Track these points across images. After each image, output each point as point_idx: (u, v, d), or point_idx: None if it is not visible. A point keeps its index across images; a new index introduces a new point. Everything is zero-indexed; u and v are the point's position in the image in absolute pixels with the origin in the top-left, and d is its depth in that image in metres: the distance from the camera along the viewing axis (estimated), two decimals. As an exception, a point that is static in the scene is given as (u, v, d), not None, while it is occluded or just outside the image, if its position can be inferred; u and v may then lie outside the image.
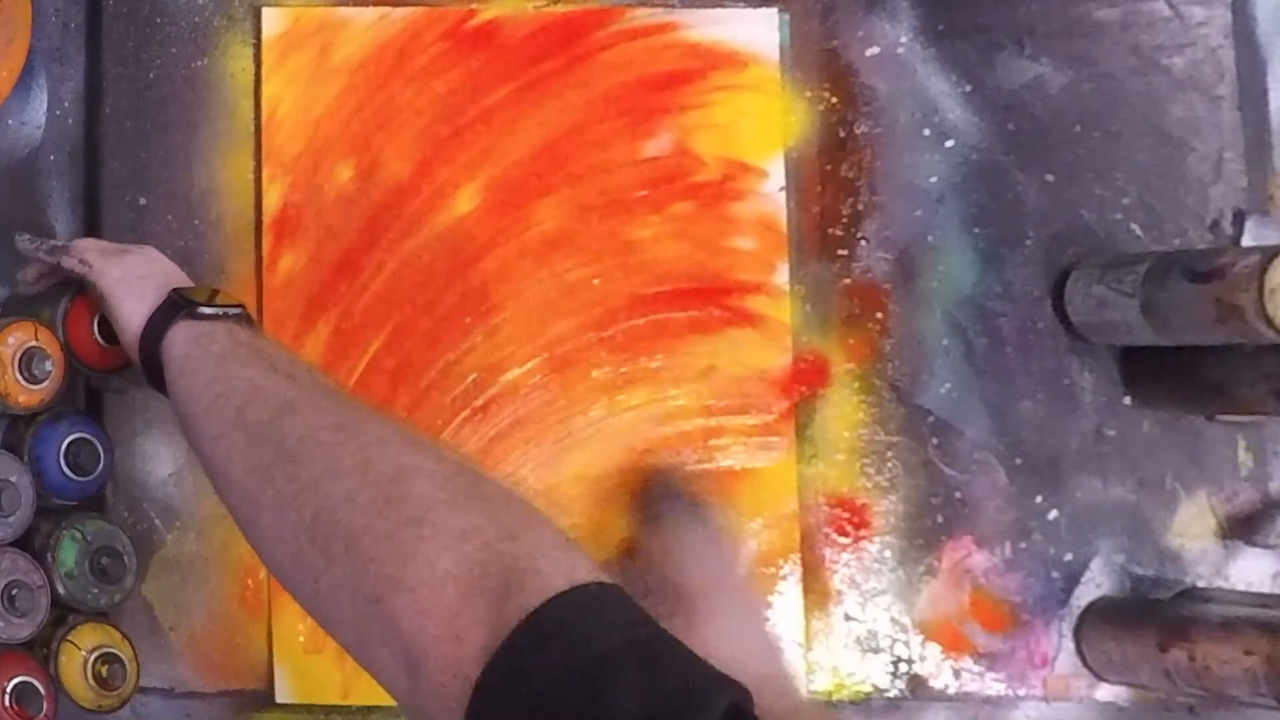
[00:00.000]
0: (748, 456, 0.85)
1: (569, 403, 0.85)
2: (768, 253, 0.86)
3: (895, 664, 0.85)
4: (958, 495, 0.86)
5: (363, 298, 0.86)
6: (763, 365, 0.85)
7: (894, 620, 0.85)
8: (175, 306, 0.69)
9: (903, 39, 0.88)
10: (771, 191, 0.86)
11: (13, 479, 0.76)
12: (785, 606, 0.84)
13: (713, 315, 0.85)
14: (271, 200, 0.86)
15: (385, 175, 0.86)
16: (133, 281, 0.72)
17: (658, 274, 0.86)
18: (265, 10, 0.87)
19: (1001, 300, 0.87)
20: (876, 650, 0.85)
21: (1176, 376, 0.84)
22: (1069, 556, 0.85)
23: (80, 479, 0.78)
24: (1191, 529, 0.86)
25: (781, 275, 0.86)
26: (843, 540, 0.85)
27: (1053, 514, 0.86)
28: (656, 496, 0.79)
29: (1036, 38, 0.88)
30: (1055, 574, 0.85)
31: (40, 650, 0.77)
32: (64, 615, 0.78)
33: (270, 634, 0.84)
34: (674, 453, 0.85)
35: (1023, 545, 0.86)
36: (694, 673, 0.46)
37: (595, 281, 0.86)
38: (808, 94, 0.88)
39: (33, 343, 0.76)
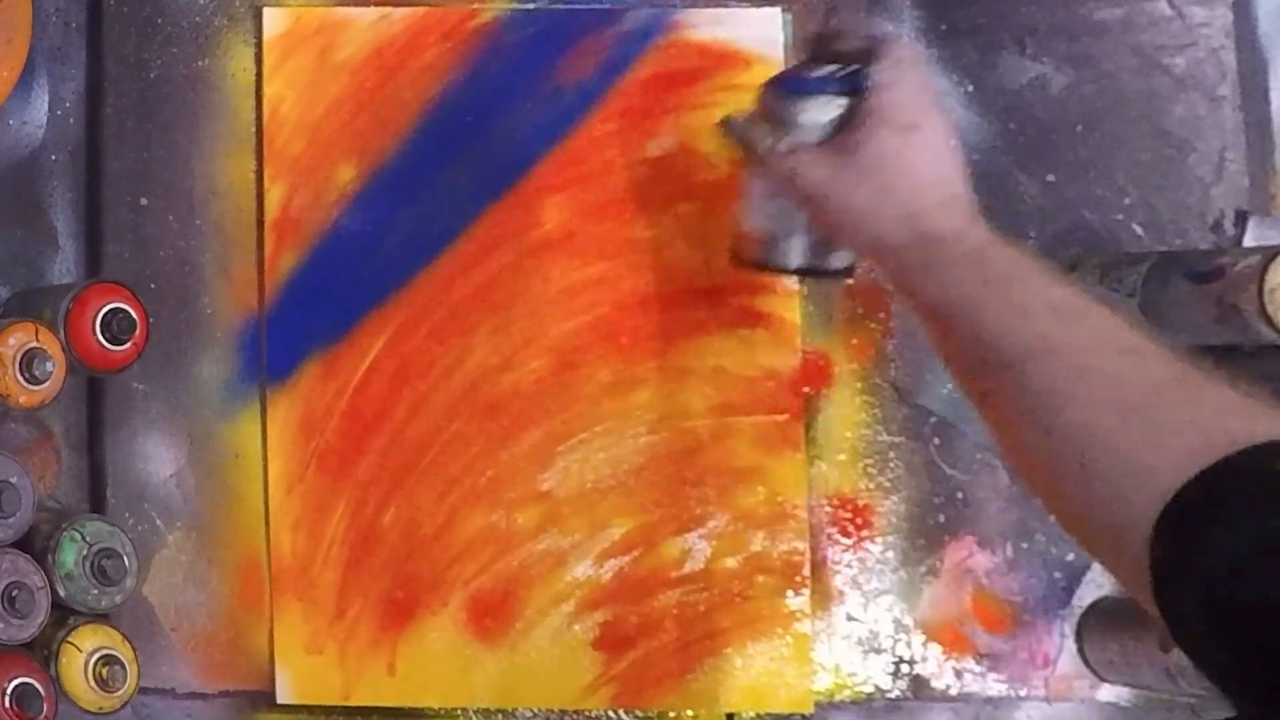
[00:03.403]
0: (757, 456, 0.85)
1: (575, 403, 0.85)
2: (775, 252, 0.86)
3: (897, 664, 0.85)
4: (960, 495, 0.86)
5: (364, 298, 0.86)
6: (772, 365, 0.85)
7: (896, 620, 0.85)
8: None
9: (904, 39, 0.88)
10: (777, 191, 0.86)
11: (13, 479, 0.76)
12: (796, 606, 0.84)
13: (720, 315, 0.85)
14: (273, 200, 0.86)
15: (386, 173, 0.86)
16: None
17: (663, 274, 0.86)
18: (266, 10, 0.87)
19: (1003, 300, 0.87)
20: (878, 650, 0.85)
21: (1177, 377, 0.84)
22: (1071, 556, 0.85)
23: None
24: (1193, 529, 0.86)
25: (790, 274, 0.86)
26: (845, 540, 0.85)
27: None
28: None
29: (1038, 38, 0.88)
30: (1057, 574, 0.85)
31: (41, 651, 0.77)
32: (64, 616, 0.78)
33: (271, 635, 0.84)
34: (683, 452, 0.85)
35: (1025, 545, 0.86)
36: None
37: (600, 282, 0.86)
38: (809, 94, 0.88)
39: (33, 343, 0.76)
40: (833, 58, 0.71)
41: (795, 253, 0.74)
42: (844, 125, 0.69)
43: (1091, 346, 0.59)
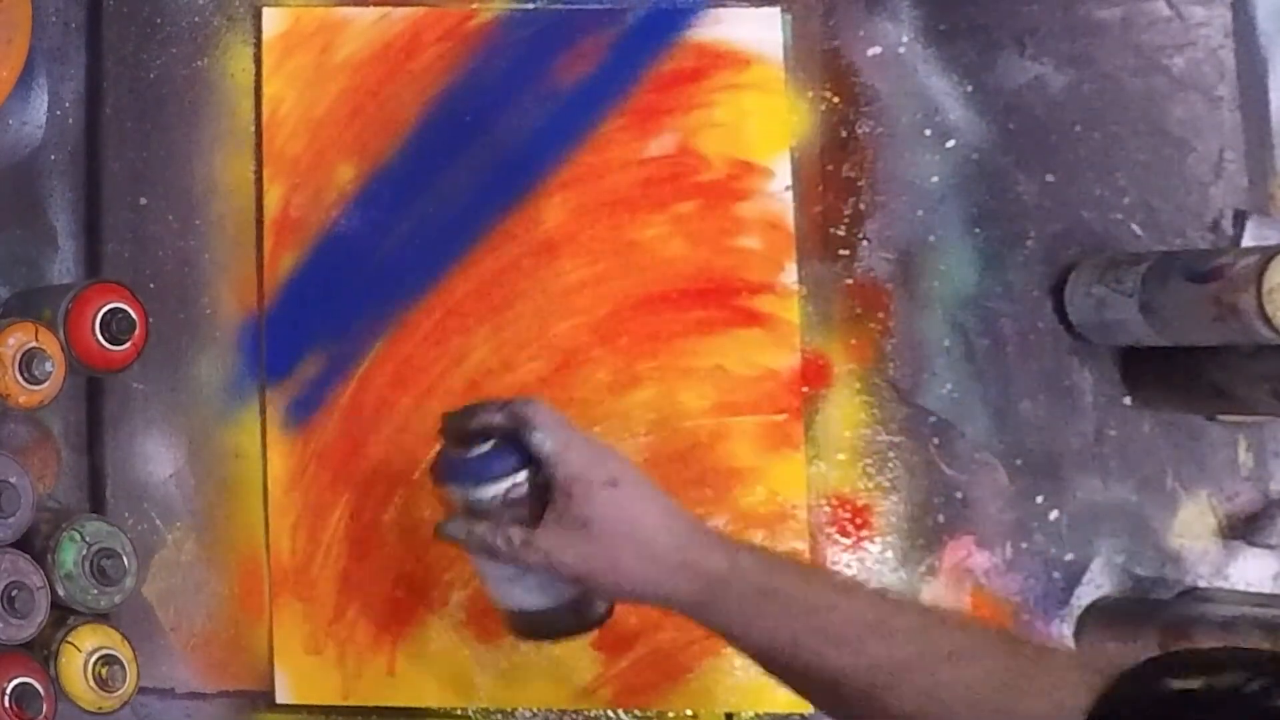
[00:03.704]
0: (757, 456, 0.85)
1: (574, 404, 0.85)
2: (774, 252, 0.86)
3: (896, 664, 0.85)
4: (959, 495, 0.86)
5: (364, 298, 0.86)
6: (771, 365, 0.85)
7: (895, 620, 0.85)
8: None
9: (904, 39, 0.88)
10: (778, 191, 0.86)
11: (12, 479, 0.76)
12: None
13: (719, 315, 0.85)
14: (272, 200, 0.86)
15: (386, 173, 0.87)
16: None
17: (663, 274, 0.86)
18: (266, 10, 0.87)
19: (1002, 300, 0.87)
20: (878, 650, 0.85)
21: (1177, 377, 0.85)
22: (1070, 556, 0.85)
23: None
24: (1192, 529, 0.86)
25: (789, 275, 0.86)
26: (844, 540, 0.86)
27: (1053, 514, 0.86)
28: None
29: (1037, 38, 0.88)
30: (1056, 574, 0.85)
31: (40, 651, 0.77)
32: (64, 616, 0.78)
33: (271, 635, 0.84)
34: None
35: (1024, 545, 0.86)
36: None
37: (600, 282, 0.86)
38: (809, 94, 0.88)
39: (33, 343, 0.76)
40: (480, 433, 0.70)
41: (564, 614, 0.72)
42: (532, 489, 0.69)
43: (921, 661, 0.60)
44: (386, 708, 0.84)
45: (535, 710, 0.85)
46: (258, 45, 0.87)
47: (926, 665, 0.59)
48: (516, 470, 0.69)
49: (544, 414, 0.69)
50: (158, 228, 0.87)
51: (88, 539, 0.78)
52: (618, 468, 0.69)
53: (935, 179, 0.88)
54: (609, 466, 0.68)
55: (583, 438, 0.70)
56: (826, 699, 0.64)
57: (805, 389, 0.86)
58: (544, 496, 0.69)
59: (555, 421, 0.69)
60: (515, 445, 0.69)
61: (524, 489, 0.69)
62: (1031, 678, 0.56)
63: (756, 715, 0.84)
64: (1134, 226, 0.88)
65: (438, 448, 0.73)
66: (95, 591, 0.77)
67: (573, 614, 0.72)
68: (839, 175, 0.88)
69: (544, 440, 0.68)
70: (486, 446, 0.70)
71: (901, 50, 0.88)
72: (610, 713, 0.84)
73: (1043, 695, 0.55)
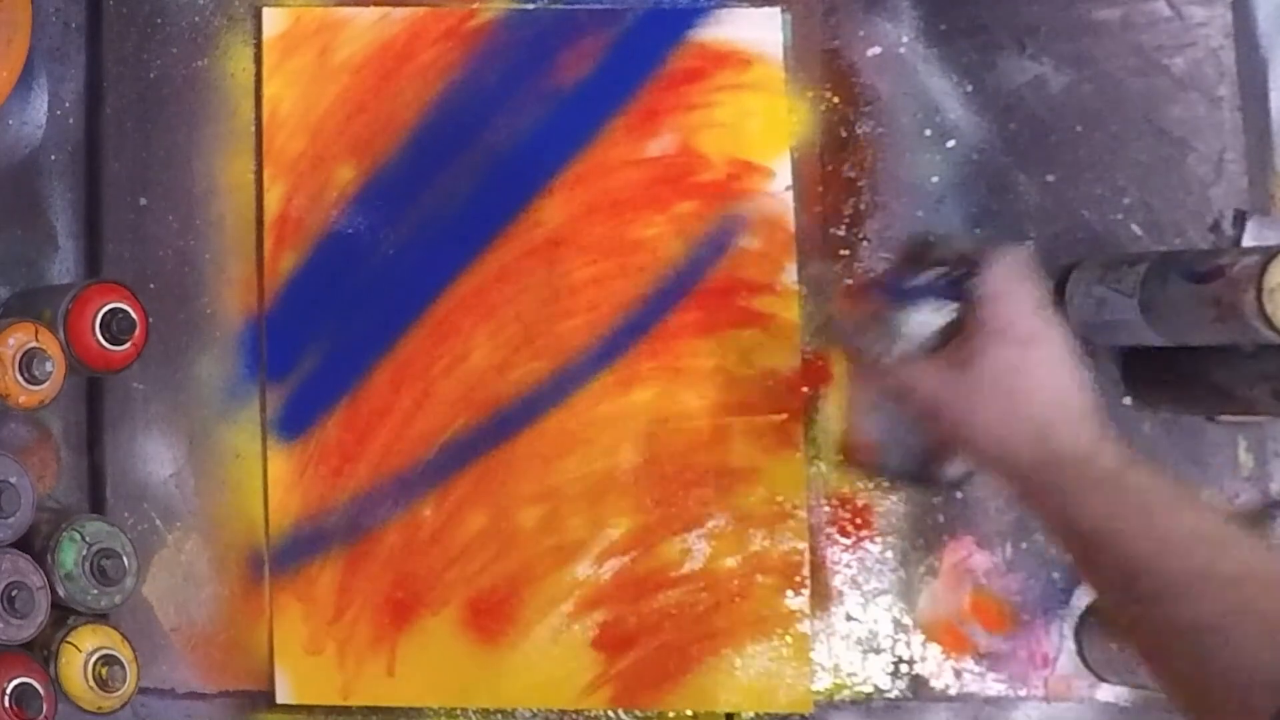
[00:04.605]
0: (757, 456, 0.85)
1: (574, 403, 0.85)
2: (775, 252, 0.86)
3: (896, 664, 0.85)
4: (958, 495, 0.86)
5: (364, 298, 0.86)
6: (772, 365, 0.85)
7: (895, 620, 0.85)
8: None
9: (904, 39, 0.88)
10: (778, 191, 0.86)
11: (12, 479, 0.76)
12: (795, 606, 0.84)
13: (719, 315, 0.85)
14: (273, 200, 0.86)
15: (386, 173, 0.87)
16: None
17: (663, 274, 0.86)
18: (266, 10, 0.87)
19: (1002, 300, 0.87)
20: (878, 650, 0.85)
21: (1177, 377, 0.84)
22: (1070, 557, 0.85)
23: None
24: (1192, 529, 0.86)
25: (790, 275, 0.86)
26: (844, 540, 0.86)
27: (1054, 514, 0.86)
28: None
29: (1037, 38, 0.88)
30: (1056, 574, 0.85)
31: (40, 652, 0.77)
32: (64, 616, 0.78)
33: (271, 635, 0.84)
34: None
35: (1024, 545, 0.86)
36: None
37: (600, 282, 0.86)
38: (809, 94, 0.88)
39: (33, 343, 0.76)
40: (935, 262, 0.70)
41: (908, 460, 0.72)
42: (952, 333, 0.67)
43: (1242, 578, 0.58)
44: (386, 708, 0.84)
45: (535, 710, 0.85)
46: (258, 45, 0.87)
47: (1247, 581, 0.57)
48: (948, 306, 0.68)
49: (996, 259, 0.67)
50: (158, 228, 0.87)
51: (88, 539, 0.78)
52: (1040, 330, 0.66)
53: (935, 179, 0.88)
54: (1027, 329, 0.66)
55: (1030, 293, 0.67)
56: (1116, 591, 0.62)
57: (805, 389, 0.86)
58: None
59: (1003, 269, 0.67)
60: (958, 284, 0.68)
61: (949, 324, 0.68)
62: None
63: (756, 715, 0.84)
64: (1134, 226, 0.88)
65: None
66: (95, 591, 0.77)
67: (919, 460, 0.72)
68: (839, 175, 0.88)
69: (983, 283, 0.66)
70: (932, 275, 0.69)
71: (901, 50, 0.88)
72: (610, 713, 0.84)
73: None
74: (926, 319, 0.68)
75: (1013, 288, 0.67)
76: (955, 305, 0.68)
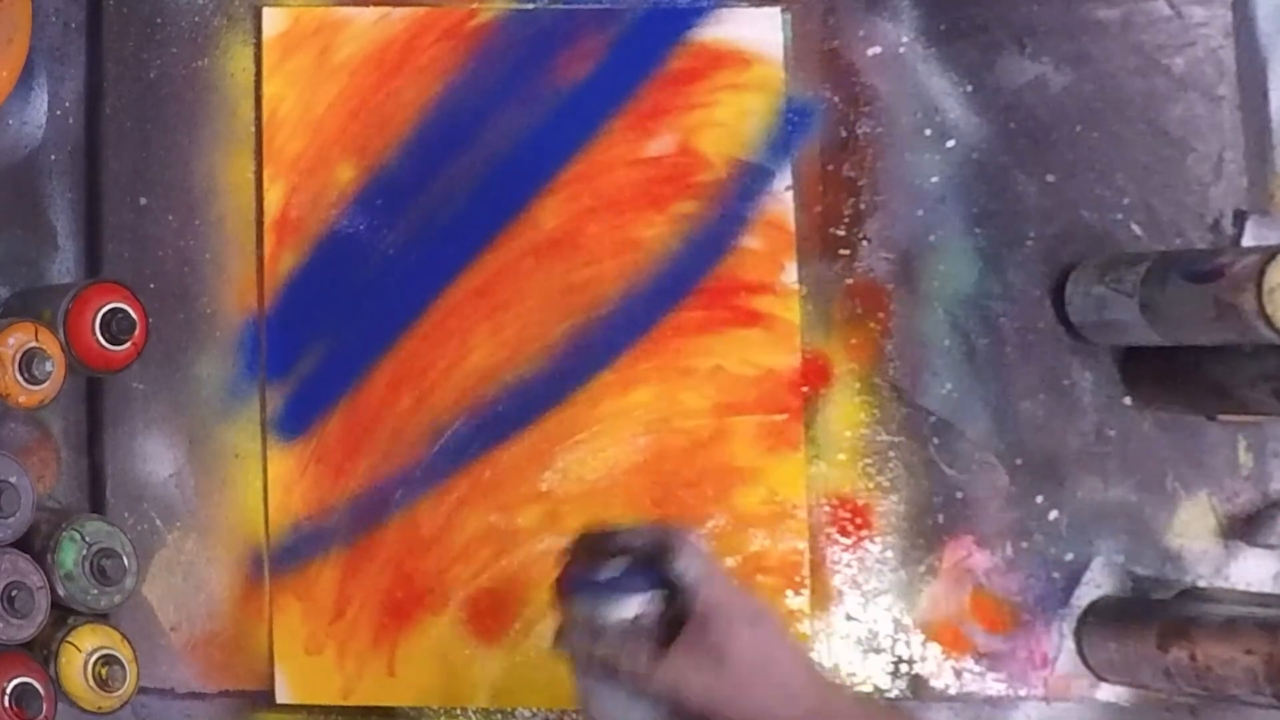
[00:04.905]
0: (756, 456, 0.85)
1: (574, 403, 0.85)
2: (775, 252, 0.86)
3: (896, 664, 0.85)
4: (959, 495, 0.86)
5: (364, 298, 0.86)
6: (771, 365, 0.85)
7: (895, 620, 0.85)
8: None
9: (904, 39, 0.88)
10: (778, 191, 0.86)
11: (12, 479, 0.76)
12: (795, 606, 0.84)
13: (719, 315, 0.85)
14: (272, 200, 0.86)
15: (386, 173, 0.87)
16: None
17: (663, 274, 0.86)
18: (266, 10, 0.87)
19: (1002, 300, 0.87)
20: (878, 650, 0.85)
21: (1177, 377, 0.85)
22: (1070, 556, 0.85)
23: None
24: (1192, 529, 0.86)
25: (789, 274, 0.86)
26: (844, 540, 0.86)
27: (1053, 514, 0.86)
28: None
29: (1037, 38, 0.88)
30: (1056, 574, 0.85)
31: (40, 651, 0.77)
32: (64, 616, 0.78)
33: (271, 635, 0.84)
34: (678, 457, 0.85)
35: (1023, 545, 0.86)
36: None
37: (600, 282, 0.86)
38: (809, 94, 0.88)
39: (33, 343, 0.76)
40: (617, 551, 0.69)
41: None
42: (663, 618, 0.67)
43: None
44: (386, 708, 0.84)
45: (535, 710, 0.85)
46: (258, 45, 0.87)
47: None
48: (649, 594, 0.67)
49: (689, 543, 0.68)
50: (158, 228, 0.87)
51: (88, 539, 0.78)
52: (761, 608, 0.68)
53: (935, 179, 0.88)
54: (752, 605, 0.67)
55: (724, 573, 0.70)
56: None
57: (805, 389, 0.86)
58: (671, 625, 0.67)
59: (700, 552, 0.68)
60: (648, 569, 0.67)
61: (654, 614, 0.67)
62: None
63: (756, 715, 0.84)
64: (1134, 226, 0.88)
65: (566, 562, 0.71)
66: (95, 591, 0.77)
67: None
68: (839, 175, 0.88)
69: (688, 567, 0.66)
70: (621, 565, 0.68)
71: (901, 50, 0.88)
72: (610, 712, 0.84)
73: None
74: (625, 610, 0.67)
75: (715, 568, 0.68)
76: (651, 593, 0.67)
